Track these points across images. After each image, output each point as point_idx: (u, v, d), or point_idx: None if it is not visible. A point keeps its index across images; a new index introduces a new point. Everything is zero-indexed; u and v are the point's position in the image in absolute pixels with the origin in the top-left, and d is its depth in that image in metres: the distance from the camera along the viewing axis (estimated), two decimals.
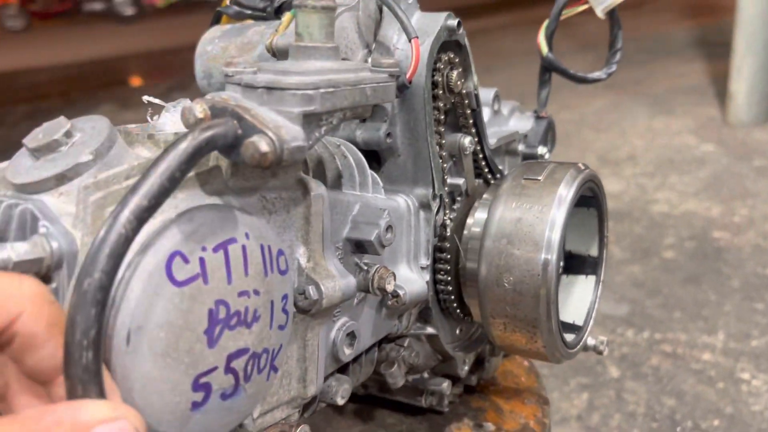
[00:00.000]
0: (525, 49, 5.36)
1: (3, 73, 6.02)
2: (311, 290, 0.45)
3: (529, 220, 0.61)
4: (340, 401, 0.52)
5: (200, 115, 0.37)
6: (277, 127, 0.37)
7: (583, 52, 4.88)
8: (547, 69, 0.75)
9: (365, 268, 0.51)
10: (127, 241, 0.32)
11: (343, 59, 0.52)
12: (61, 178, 0.38)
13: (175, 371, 0.36)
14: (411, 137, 0.58)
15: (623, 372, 1.53)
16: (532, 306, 0.59)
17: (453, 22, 0.58)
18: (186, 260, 0.36)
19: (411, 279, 0.57)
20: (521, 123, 0.79)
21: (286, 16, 0.53)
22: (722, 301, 1.75)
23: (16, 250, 0.34)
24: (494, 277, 0.59)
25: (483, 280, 0.60)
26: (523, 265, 0.59)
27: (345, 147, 0.55)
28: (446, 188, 0.61)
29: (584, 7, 0.75)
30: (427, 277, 0.58)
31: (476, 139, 0.64)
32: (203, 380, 0.37)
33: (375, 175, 0.57)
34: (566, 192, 0.62)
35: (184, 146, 0.34)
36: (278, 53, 0.54)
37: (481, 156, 0.66)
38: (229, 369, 0.38)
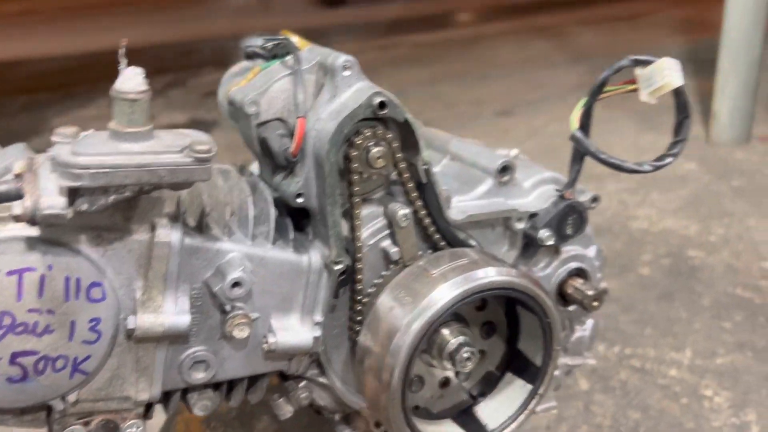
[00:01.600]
0: (523, 58, 5.43)
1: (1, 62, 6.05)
2: (131, 320, 0.53)
3: (396, 314, 0.62)
4: (197, 413, 0.59)
5: (17, 171, 0.47)
6: (39, 195, 0.45)
7: (576, 63, 4.96)
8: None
9: (227, 309, 0.57)
10: None
11: (278, 119, 0.58)
12: None
13: None
14: (321, 203, 0.63)
15: (593, 385, 1.60)
16: (379, 396, 0.61)
17: (376, 100, 0.61)
18: None
19: (295, 330, 0.62)
20: (541, 200, 0.76)
21: (252, 70, 0.59)
22: (693, 318, 1.82)
23: None
24: (360, 357, 0.63)
25: (357, 354, 0.63)
26: (374, 360, 0.61)
27: (262, 198, 0.61)
28: (360, 256, 0.64)
29: (632, 87, 0.68)
30: (318, 332, 0.63)
31: (424, 212, 0.67)
32: None
33: (293, 230, 0.62)
34: (440, 297, 0.62)
35: None
36: (233, 104, 0.60)
37: (433, 229, 0.68)
38: (14, 362, 0.50)
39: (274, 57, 0.65)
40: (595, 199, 0.74)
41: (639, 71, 0.63)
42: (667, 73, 0.62)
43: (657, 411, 1.50)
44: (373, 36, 6.77)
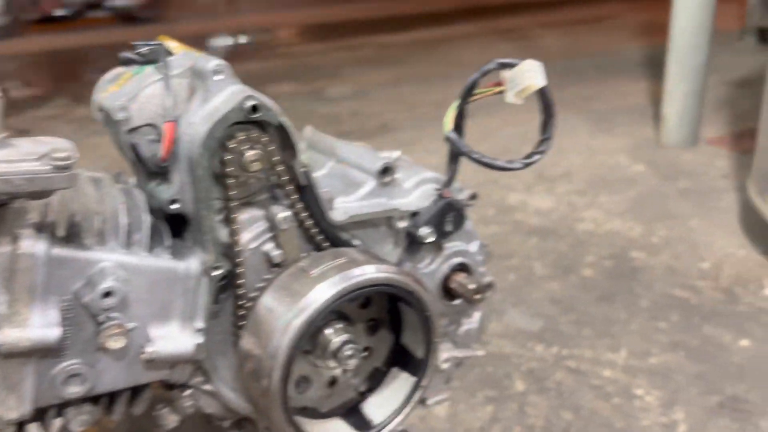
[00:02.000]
0: (485, 60, 5.47)
1: None
2: None
3: (275, 315, 0.62)
4: (75, 428, 0.58)
5: None
6: None
7: None
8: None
9: (102, 321, 0.56)
10: None
11: (149, 125, 0.57)
12: None
13: None
14: (197, 208, 0.63)
15: (528, 386, 1.62)
16: (262, 399, 0.60)
17: (248, 103, 0.62)
18: None
19: (175, 338, 0.61)
20: (422, 200, 0.78)
21: (123, 76, 0.59)
22: (630, 319, 1.85)
23: None
24: (241, 361, 0.63)
25: (239, 358, 0.64)
26: (255, 363, 0.61)
27: (136, 206, 0.60)
28: (240, 261, 0.63)
29: (499, 89, 0.71)
30: (200, 339, 0.63)
31: (306, 215, 0.67)
32: None
33: (170, 237, 0.61)
34: (316, 298, 0.62)
35: None
36: (103, 110, 0.59)
37: (315, 231, 0.68)
38: None
39: (148, 63, 0.65)
40: (473, 197, 0.77)
41: (505, 74, 0.66)
42: (529, 75, 0.65)
43: (588, 411, 1.53)
44: (340, 36, 6.77)
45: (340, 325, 0.67)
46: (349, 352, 0.66)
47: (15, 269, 0.53)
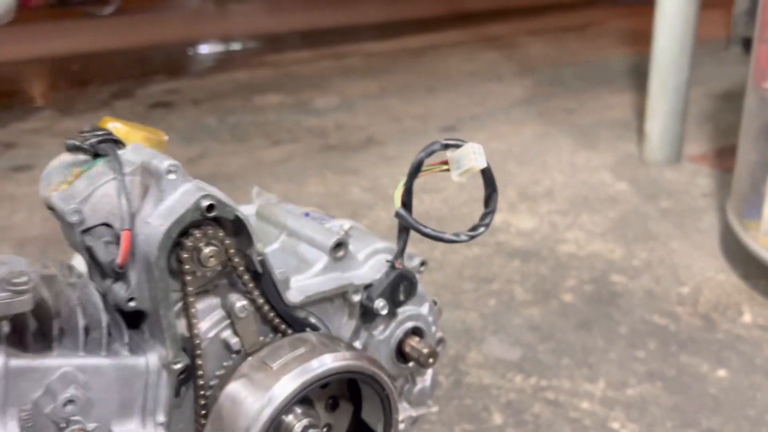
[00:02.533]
0: (469, 70, 5.48)
1: None
2: None
3: (239, 411, 0.63)
4: None
5: None
6: None
7: (522, 76, 5.02)
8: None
9: (63, 427, 0.57)
10: None
11: (104, 224, 0.57)
12: None
13: None
14: (155, 305, 0.63)
15: (506, 419, 1.62)
16: None
17: (204, 203, 0.63)
18: None
19: None
20: (374, 271, 0.80)
21: (73, 172, 0.59)
22: (608, 347, 1.86)
23: None
24: None
25: None
26: None
27: (91, 304, 0.60)
28: (199, 353, 0.64)
29: (444, 167, 0.75)
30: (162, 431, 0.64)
31: (262, 300, 0.68)
32: None
33: (127, 332, 0.61)
34: (281, 391, 0.63)
35: None
36: (53, 209, 0.59)
37: (272, 315, 0.69)
38: None
39: (96, 155, 0.64)
40: (423, 263, 0.80)
41: (449, 154, 0.70)
42: (472, 157, 0.69)
43: None
44: (327, 44, 6.76)
45: (300, 410, 0.67)
46: None
47: None
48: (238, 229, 0.65)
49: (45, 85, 5.23)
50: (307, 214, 0.85)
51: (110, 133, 0.68)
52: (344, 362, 0.66)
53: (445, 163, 0.72)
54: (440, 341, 0.89)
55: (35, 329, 0.58)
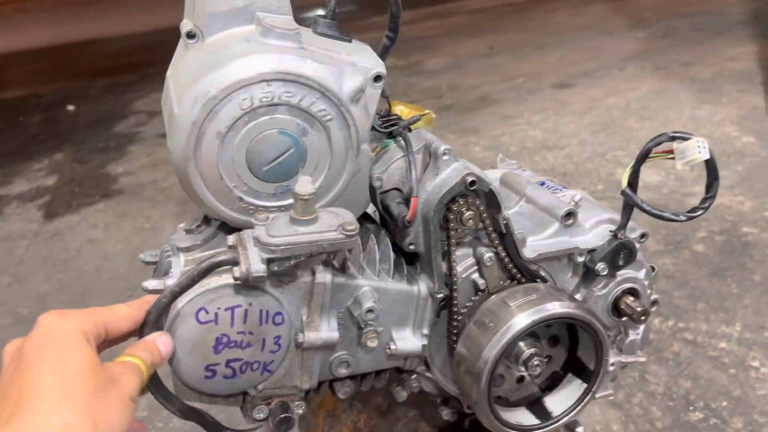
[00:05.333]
0: (578, 25, 5.43)
1: None
2: (300, 336, 0.77)
3: (485, 335, 0.82)
4: (341, 396, 0.83)
5: (231, 243, 0.73)
6: (249, 263, 0.70)
7: (632, 29, 4.94)
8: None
9: (362, 327, 0.78)
10: (173, 296, 0.71)
11: (396, 188, 0.78)
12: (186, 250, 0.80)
13: (194, 359, 0.75)
14: (427, 250, 0.83)
15: (648, 356, 1.77)
16: (471, 391, 0.81)
17: (468, 179, 0.80)
18: (207, 312, 0.74)
19: (409, 340, 0.84)
20: (599, 238, 0.90)
21: (375, 150, 0.80)
22: (743, 294, 1.95)
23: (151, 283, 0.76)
24: (457, 361, 0.84)
25: (456, 359, 0.84)
26: (469, 365, 0.81)
27: (384, 243, 0.82)
28: (455, 287, 0.83)
29: (670, 156, 0.79)
30: (425, 341, 0.84)
31: (504, 254, 0.85)
32: (211, 367, 0.76)
33: (405, 266, 0.82)
34: (514, 325, 0.79)
35: (204, 265, 0.71)
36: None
37: (511, 265, 0.86)
38: (228, 366, 0.76)
39: (390, 135, 0.85)
40: (643, 236, 0.91)
41: (676, 145, 0.77)
42: (696, 149, 0.76)
43: (706, 381, 1.67)
44: (428, 2, 6.82)
45: (529, 340, 0.86)
46: (535, 362, 0.85)
47: (313, 292, 0.75)
48: (490, 198, 0.82)
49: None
50: (543, 183, 0.99)
51: (399, 118, 0.87)
52: (566, 310, 0.82)
53: (671, 152, 0.80)
54: (654, 302, 1.00)
55: (349, 258, 0.80)
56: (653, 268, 1.00)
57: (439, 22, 6.03)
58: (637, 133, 3.07)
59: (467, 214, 0.81)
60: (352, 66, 0.76)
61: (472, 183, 0.80)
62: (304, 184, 0.71)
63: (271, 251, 0.70)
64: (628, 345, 1.00)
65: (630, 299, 0.94)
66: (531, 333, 0.85)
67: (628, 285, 0.95)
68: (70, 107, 4.72)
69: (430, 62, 4.81)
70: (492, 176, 0.98)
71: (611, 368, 0.98)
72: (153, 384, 0.71)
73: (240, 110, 0.73)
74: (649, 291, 0.97)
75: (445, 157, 0.81)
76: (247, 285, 0.72)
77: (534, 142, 3.14)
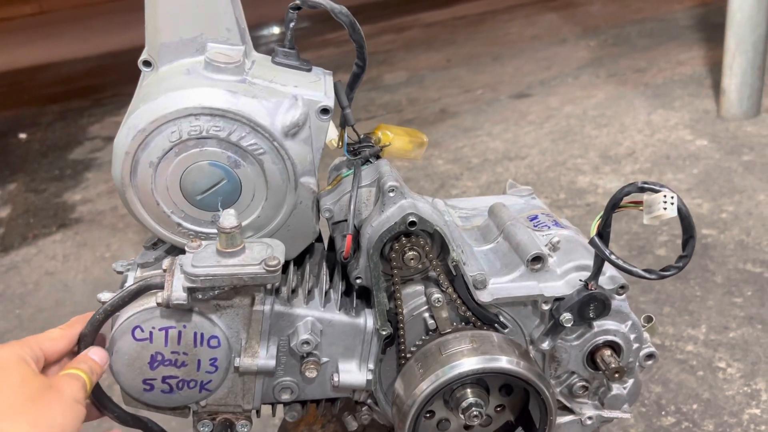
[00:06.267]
0: (532, 35, 5.52)
1: None
2: (236, 360, 0.78)
3: (413, 378, 0.80)
4: (288, 419, 0.84)
5: (164, 267, 0.74)
6: (171, 290, 0.73)
7: (585, 37, 5.05)
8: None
9: (303, 356, 0.80)
10: (105, 315, 0.75)
11: (346, 221, 0.79)
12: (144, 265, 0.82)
13: (132, 372, 0.78)
14: (370, 286, 0.83)
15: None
16: (398, 430, 0.81)
17: (409, 218, 0.79)
18: (142, 330, 0.76)
19: (353, 373, 0.83)
20: (570, 286, 0.83)
21: (337, 178, 0.79)
22: (706, 296, 1.99)
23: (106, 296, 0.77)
24: (392, 399, 0.84)
25: (391, 395, 0.85)
26: (398, 406, 0.81)
27: (334, 281, 0.81)
28: (401, 326, 0.83)
29: (639, 208, 0.74)
30: (370, 376, 0.83)
31: (455, 296, 0.83)
32: (148, 381, 0.78)
33: (356, 299, 0.82)
34: (452, 369, 0.79)
35: (134, 287, 0.74)
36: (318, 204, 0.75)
37: (464, 308, 0.84)
38: (164, 382, 0.78)
39: (365, 162, 0.85)
40: (623, 287, 0.84)
41: (645, 197, 0.75)
42: (662, 205, 0.73)
43: (676, 384, 1.69)
44: (386, 16, 6.86)
45: (476, 388, 0.83)
46: (474, 413, 0.82)
47: (251, 319, 0.74)
48: (438, 238, 0.81)
49: (125, 78, 5.52)
50: (534, 218, 0.93)
51: (371, 145, 0.86)
52: (507, 365, 0.77)
53: (640, 203, 0.74)
54: (650, 356, 0.90)
55: (294, 287, 0.79)
56: (651, 318, 0.91)
57: (396, 36, 6.07)
58: (596, 140, 3.13)
59: (410, 254, 0.80)
60: (292, 99, 0.76)
61: (412, 223, 0.79)
62: (227, 218, 0.73)
63: (192, 281, 0.72)
64: (610, 399, 0.92)
65: (607, 353, 0.86)
66: (478, 380, 0.83)
67: (605, 337, 0.88)
68: (22, 135, 4.60)
69: (388, 77, 4.83)
70: (487, 203, 0.97)
71: (589, 422, 0.93)
72: (93, 392, 0.74)
73: (169, 142, 0.75)
74: (636, 345, 0.88)
75: (391, 194, 0.80)
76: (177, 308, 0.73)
77: (495, 153, 3.17)
